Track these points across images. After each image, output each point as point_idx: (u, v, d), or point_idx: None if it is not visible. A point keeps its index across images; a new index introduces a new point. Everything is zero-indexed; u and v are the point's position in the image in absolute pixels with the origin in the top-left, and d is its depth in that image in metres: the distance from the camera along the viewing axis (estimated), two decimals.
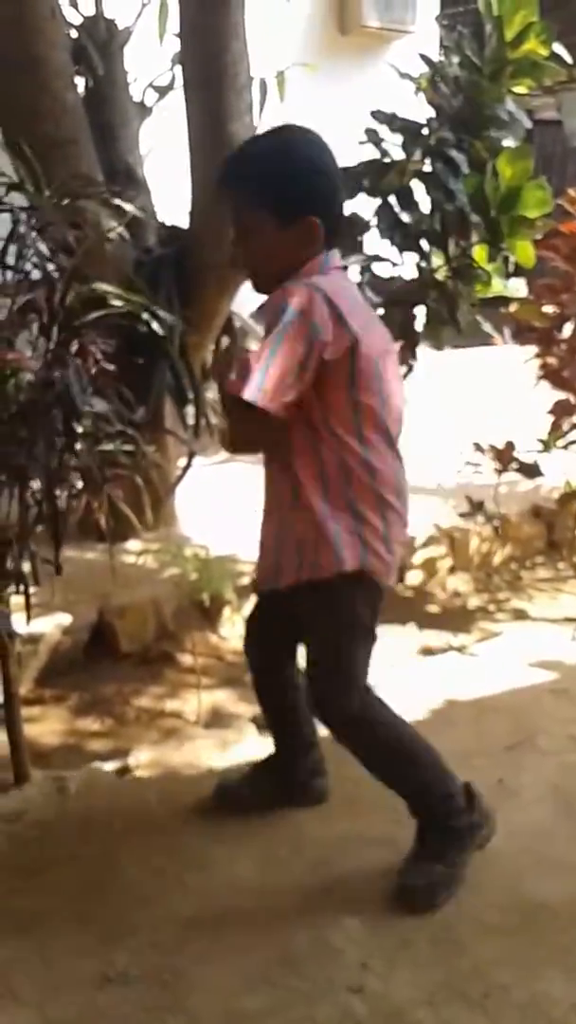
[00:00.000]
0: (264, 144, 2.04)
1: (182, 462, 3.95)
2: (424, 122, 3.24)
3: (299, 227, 1.95)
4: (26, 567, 2.35)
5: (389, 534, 2.05)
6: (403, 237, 3.24)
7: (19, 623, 2.47)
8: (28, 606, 2.39)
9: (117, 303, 2.47)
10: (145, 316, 2.98)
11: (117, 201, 3.17)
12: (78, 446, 2.26)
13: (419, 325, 3.45)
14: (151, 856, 2.27)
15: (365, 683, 2.15)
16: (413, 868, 2.12)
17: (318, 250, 1.98)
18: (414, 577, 4.04)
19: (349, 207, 3.22)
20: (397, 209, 3.22)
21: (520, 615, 3.84)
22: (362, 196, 3.23)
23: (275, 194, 1.93)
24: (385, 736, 2.16)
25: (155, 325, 3.04)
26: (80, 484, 2.39)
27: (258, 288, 2.06)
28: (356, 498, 2.02)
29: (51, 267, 2.36)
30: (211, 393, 4.47)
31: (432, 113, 3.26)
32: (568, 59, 3.38)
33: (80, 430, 2.26)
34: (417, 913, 2.06)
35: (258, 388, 1.85)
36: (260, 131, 2.26)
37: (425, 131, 3.22)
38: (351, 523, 2.01)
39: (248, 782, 2.44)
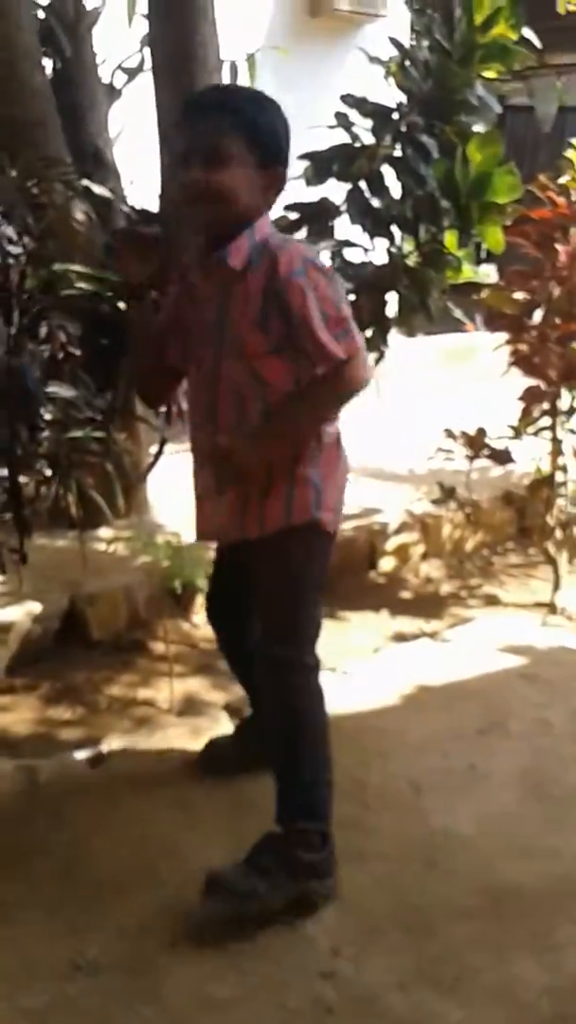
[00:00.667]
0: (256, 92, 2.14)
1: (154, 449, 3.92)
2: (394, 106, 3.23)
3: (271, 174, 2.01)
4: None
5: (336, 482, 2.15)
6: (374, 223, 3.22)
7: None
8: None
9: (81, 285, 2.45)
10: (110, 295, 2.95)
11: (86, 183, 3.14)
12: (44, 433, 2.24)
13: (390, 311, 3.44)
14: (122, 845, 2.26)
15: (314, 645, 2.14)
16: (238, 866, 2.03)
17: (269, 205, 2.06)
18: (387, 563, 4.05)
19: (320, 192, 3.21)
20: (368, 194, 3.21)
21: (491, 601, 3.85)
22: (332, 181, 3.21)
23: (266, 135, 1.98)
24: (310, 711, 2.11)
25: (121, 306, 3.00)
26: (48, 471, 2.37)
27: (206, 218, 2.02)
28: (314, 447, 2.08)
29: (17, 251, 2.33)
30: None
31: (402, 97, 3.25)
32: (537, 44, 3.38)
33: (48, 417, 2.24)
34: (202, 904, 1.99)
35: (355, 341, 1.97)
36: None
37: (395, 115, 3.21)
38: (308, 473, 2.07)
39: (235, 738, 2.55)
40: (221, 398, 2.07)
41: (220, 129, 1.95)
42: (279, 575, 2.11)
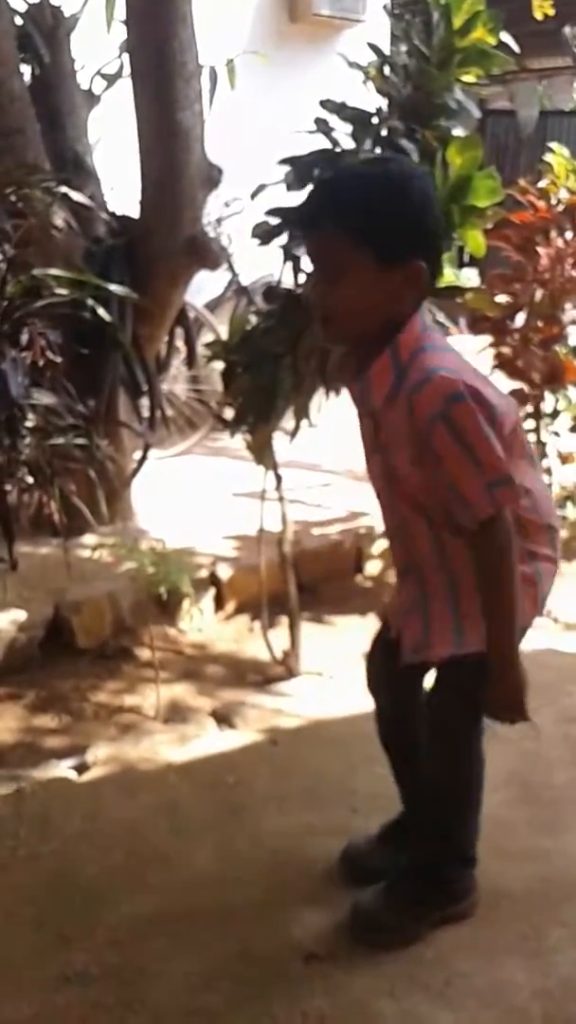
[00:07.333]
0: (369, 172, 1.74)
1: (137, 455, 3.92)
2: (374, 111, 3.23)
3: (404, 269, 1.66)
4: None
5: None
6: None
7: None
8: None
9: (62, 291, 2.43)
10: (91, 303, 2.93)
11: (65, 190, 3.13)
12: (26, 440, 2.22)
13: None
14: (110, 853, 2.25)
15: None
16: (379, 897, 2.02)
17: (416, 304, 1.71)
18: (373, 567, 4.04)
19: (301, 196, 3.20)
20: None
21: None
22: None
23: (381, 228, 1.64)
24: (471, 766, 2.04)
25: (101, 312, 2.99)
26: (30, 478, 2.35)
27: (333, 338, 1.80)
28: None
29: None
30: (165, 385, 4.44)
31: (382, 102, 3.24)
32: (516, 48, 3.38)
33: (29, 424, 2.23)
34: (353, 935, 1.97)
35: (511, 490, 1.70)
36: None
37: (375, 120, 3.21)
38: None
39: (377, 852, 2.17)
40: (408, 517, 1.86)
41: (327, 238, 1.66)
42: None
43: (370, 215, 1.63)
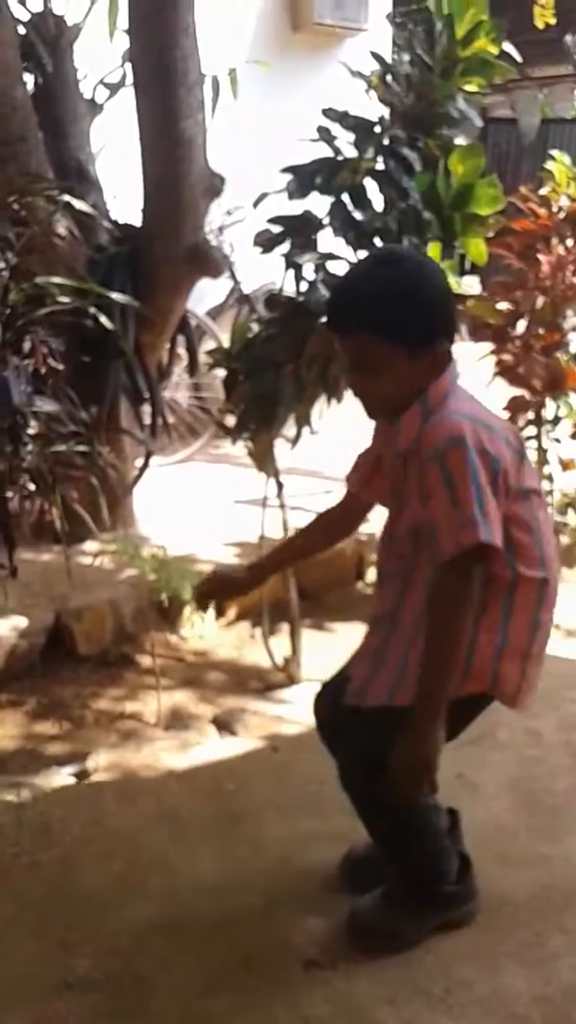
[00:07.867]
0: (389, 278, 1.82)
1: (139, 462, 3.93)
2: (376, 120, 3.24)
3: (429, 355, 1.82)
4: None
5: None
6: (357, 235, 3.22)
7: None
8: None
9: (64, 299, 2.44)
10: (93, 311, 2.94)
11: (68, 198, 3.14)
12: (28, 447, 2.23)
13: None
14: (111, 860, 2.25)
15: None
16: (376, 903, 2.02)
17: (441, 372, 1.85)
18: (374, 574, 4.05)
19: (303, 205, 3.22)
20: (351, 207, 3.21)
21: None
22: (315, 194, 3.22)
23: (408, 330, 1.79)
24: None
25: (104, 320, 3.00)
26: (32, 485, 2.36)
27: (374, 415, 1.96)
28: None
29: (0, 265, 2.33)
30: (167, 392, 4.46)
31: (384, 111, 3.26)
32: (518, 58, 3.40)
33: (31, 431, 2.23)
34: (351, 942, 1.98)
35: (490, 531, 1.73)
36: (367, 261, 1.96)
37: (377, 129, 3.22)
38: None
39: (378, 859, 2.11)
40: (390, 561, 2.00)
41: (361, 342, 1.81)
42: None
43: (400, 322, 1.78)
